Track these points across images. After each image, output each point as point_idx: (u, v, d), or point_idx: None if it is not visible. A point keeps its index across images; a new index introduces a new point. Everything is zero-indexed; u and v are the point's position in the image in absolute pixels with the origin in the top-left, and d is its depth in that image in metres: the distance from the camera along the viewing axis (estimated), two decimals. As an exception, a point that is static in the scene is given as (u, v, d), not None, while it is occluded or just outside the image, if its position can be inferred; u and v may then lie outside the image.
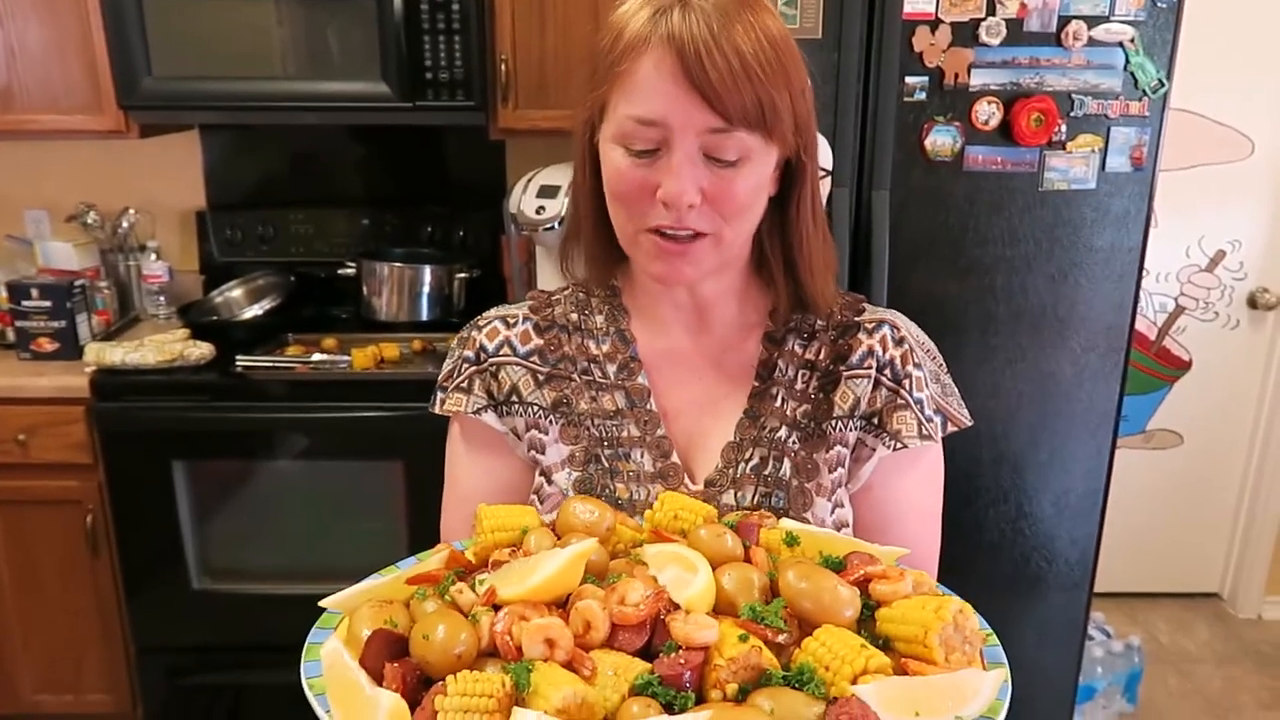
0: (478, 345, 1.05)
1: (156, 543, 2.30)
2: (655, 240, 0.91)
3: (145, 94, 2.28)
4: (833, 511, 1.00)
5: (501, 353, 1.04)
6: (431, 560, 0.86)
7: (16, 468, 2.26)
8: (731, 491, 0.99)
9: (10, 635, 2.39)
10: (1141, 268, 1.96)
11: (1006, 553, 2.12)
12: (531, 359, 1.04)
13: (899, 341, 1.01)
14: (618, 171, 0.90)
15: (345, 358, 2.29)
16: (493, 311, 1.09)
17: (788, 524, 0.88)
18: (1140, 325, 2.83)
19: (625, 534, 0.89)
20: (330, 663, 0.72)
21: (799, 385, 1.02)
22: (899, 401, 0.99)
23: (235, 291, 2.63)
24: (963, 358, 2.00)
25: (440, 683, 0.67)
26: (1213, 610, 3.24)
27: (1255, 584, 3.17)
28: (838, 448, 1.00)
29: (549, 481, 1.03)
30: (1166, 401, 3.10)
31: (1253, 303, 2.98)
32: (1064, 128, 1.88)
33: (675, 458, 1.01)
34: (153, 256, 2.69)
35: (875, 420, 0.99)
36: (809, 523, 0.97)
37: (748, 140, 0.88)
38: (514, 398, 1.04)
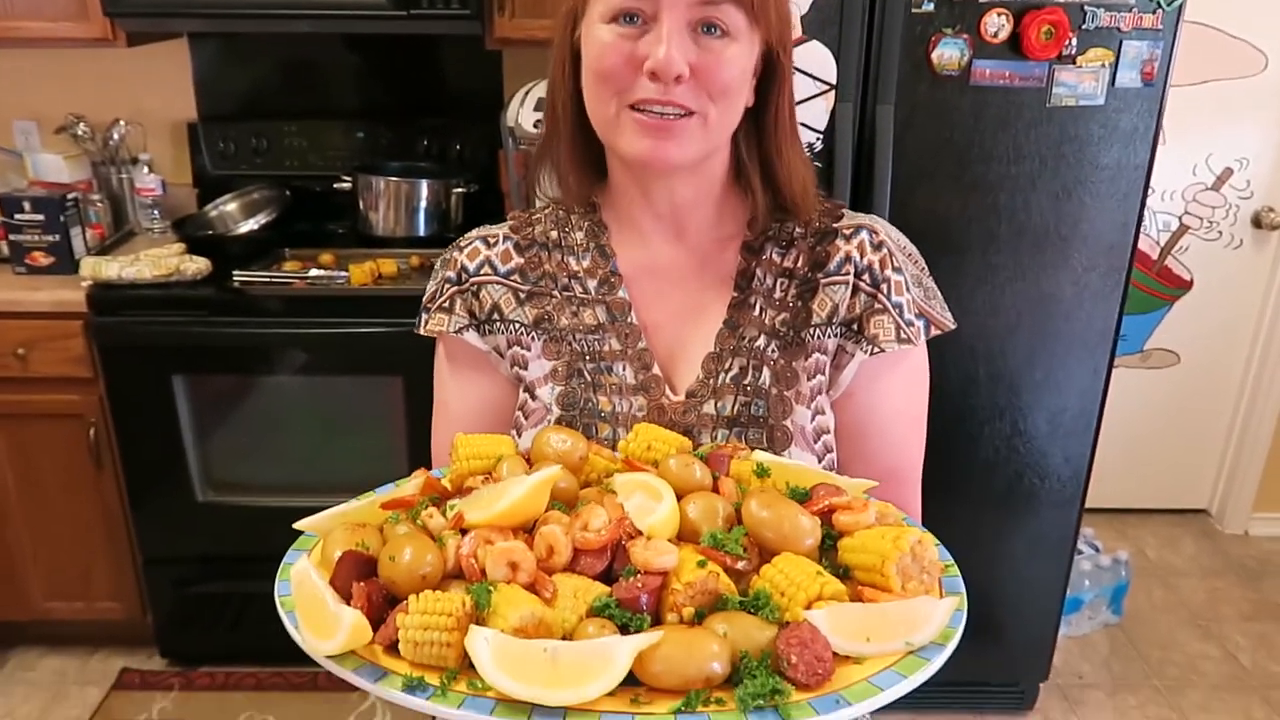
0: (459, 265, 1.06)
1: (159, 456, 2.33)
2: (639, 118, 0.90)
3: (131, 0, 2.22)
4: (813, 419, 1.01)
5: (482, 272, 1.05)
6: (408, 486, 0.89)
7: (16, 381, 2.27)
8: (712, 401, 1.01)
9: (19, 546, 2.44)
10: (1147, 186, 1.93)
11: (1000, 470, 2.15)
12: (512, 278, 1.05)
13: (877, 246, 1.01)
14: (602, 47, 0.90)
15: (343, 273, 2.28)
16: (474, 232, 1.09)
17: (760, 456, 0.89)
18: (1142, 244, 2.81)
19: (599, 464, 0.90)
20: (299, 581, 0.74)
21: (777, 294, 1.03)
22: (877, 306, 1.00)
23: (230, 205, 2.60)
24: (963, 276, 1.99)
25: (403, 602, 0.70)
26: (1200, 526, 3.30)
27: (1244, 501, 3.23)
28: (816, 355, 1.01)
29: (533, 397, 1.04)
30: (1165, 321, 3.10)
31: (1257, 222, 2.96)
32: (1074, 41, 1.83)
33: (656, 370, 1.02)
34: (145, 169, 2.66)
35: (854, 326, 1.00)
36: (789, 431, 0.99)
37: (735, 16, 0.89)
38: (495, 316, 1.05)
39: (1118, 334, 2.05)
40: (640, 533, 0.76)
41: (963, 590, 0.77)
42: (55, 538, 2.44)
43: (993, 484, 2.16)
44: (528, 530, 0.78)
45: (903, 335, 1.00)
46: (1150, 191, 1.95)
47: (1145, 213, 1.97)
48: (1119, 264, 1.99)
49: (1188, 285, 3.06)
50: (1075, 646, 2.69)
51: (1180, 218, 2.98)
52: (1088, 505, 2.22)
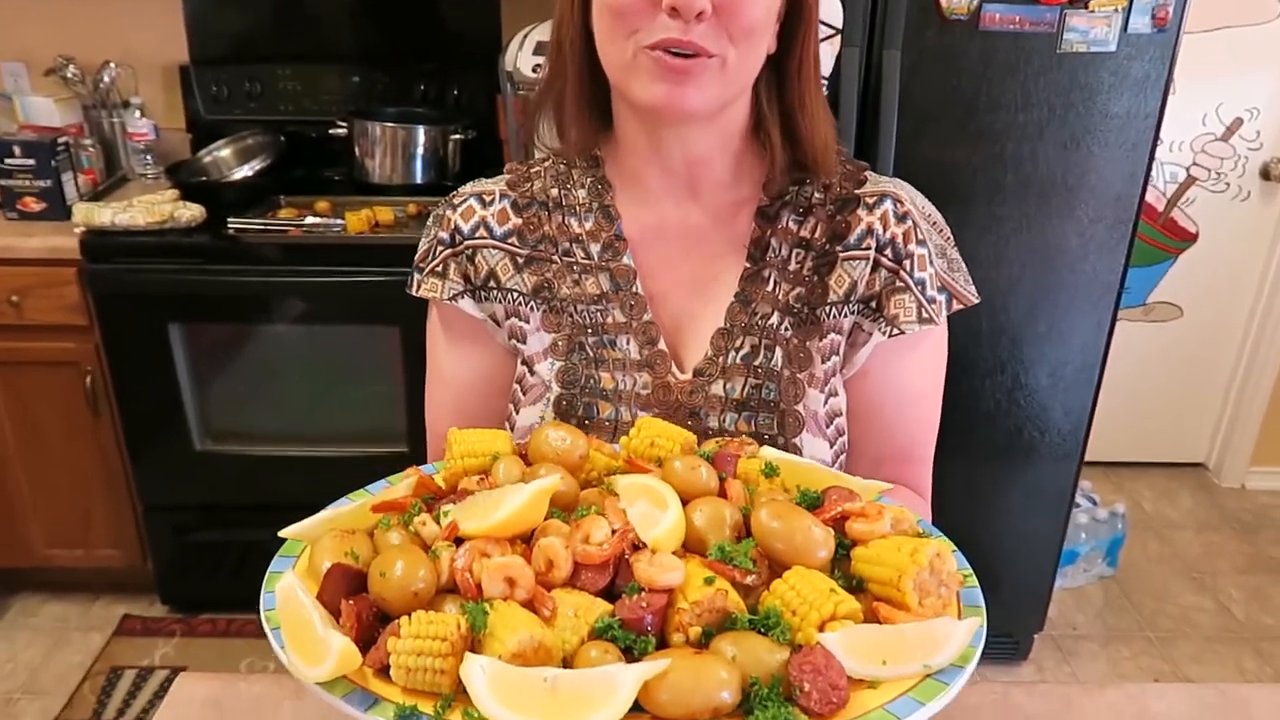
0: (452, 225, 1.00)
1: (157, 405, 2.32)
2: (657, 58, 0.84)
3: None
4: (826, 402, 0.97)
5: (478, 235, 0.99)
6: (399, 486, 0.85)
7: (11, 329, 2.25)
8: (721, 382, 0.96)
9: (18, 493, 2.44)
10: (1157, 136, 1.90)
11: (1000, 423, 2.14)
12: (509, 240, 0.99)
13: (901, 218, 0.95)
14: None
15: (339, 221, 2.25)
16: (468, 188, 1.03)
17: (768, 453, 0.85)
18: (1148, 196, 2.78)
19: (599, 461, 0.86)
20: (284, 598, 0.70)
21: (792, 266, 0.97)
22: (898, 284, 0.94)
23: (224, 151, 2.56)
24: (967, 228, 1.97)
25: (394, 623, 0.66)
26: (1197, 480, 3.31)
27: (1241, 455, 3.23)
28: (832, 335, 0.96)
29: (531, 371, 0.99)
30: (1169, 274, 3.08)
31: (1265, 174, 2.92)
32: (1087, -16, 1.79)
33: (663, 344, 0.97)
34: (137, 114, 2.61)
35: (873, 304, 0.95)
36: (801, 416, 0.95)
37: None
38: (492, 283, 0.99)
39: (1122, 287, 2.03)
40: (644, 545, 0.72)
41: (982, 604, 0.74)
42: (54, 485, 2.44)
43: (992, 437, 2.16)
44: (525, 540, 0.74)
45: (924, 314, 0.94)
46: (1158, 142, 1.92)
47: (1153, 164, 1.94)
48: (1126, 215, 1.96)
49: (1193, 238, 3.03)
50: (1070, 598, 2.71)
51: (1188, 169, 2.94)
52: (1086, 458, 2.22)
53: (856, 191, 0.97)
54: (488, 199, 1.01)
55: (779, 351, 0.96)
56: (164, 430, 2.34)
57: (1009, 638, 2.43)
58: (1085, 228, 1.97)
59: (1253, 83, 2.84)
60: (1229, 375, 3.20)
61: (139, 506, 2.44)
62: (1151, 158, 1.92)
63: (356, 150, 2.50)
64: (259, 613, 0.73)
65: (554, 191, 1.01)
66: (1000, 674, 2.44)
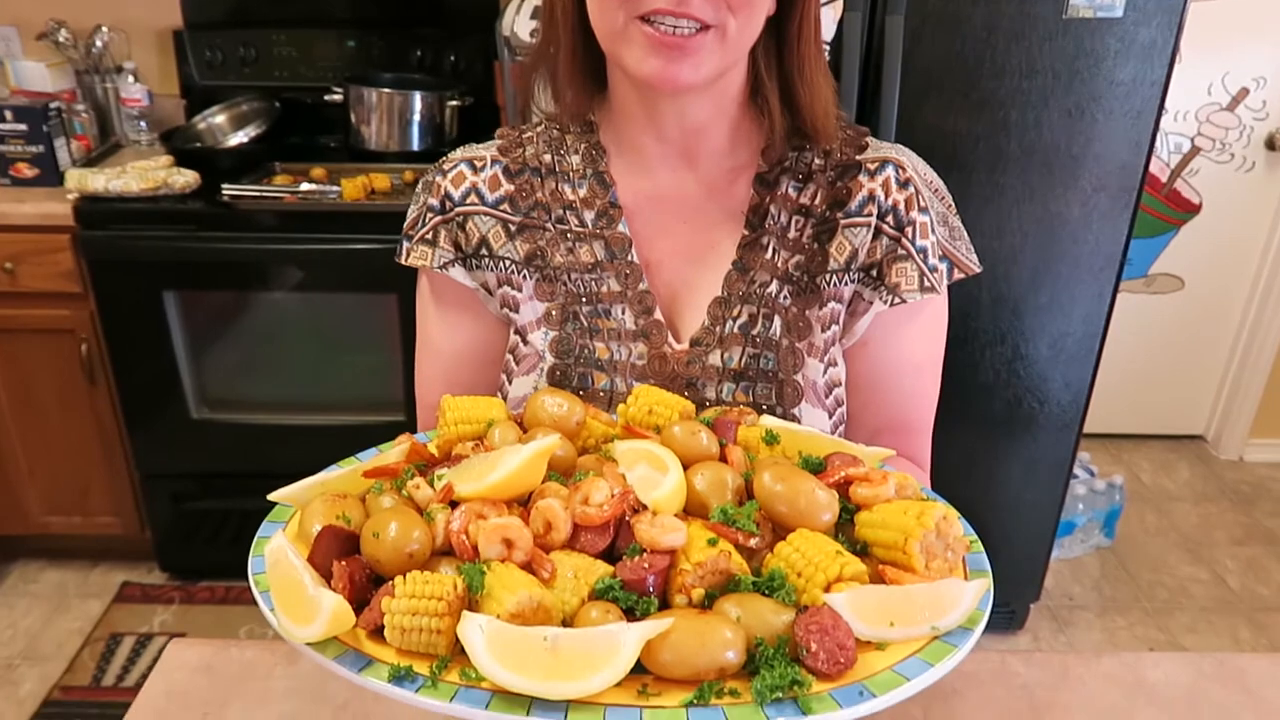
0: (442, 192, 0.98)
1: (153, 373, 2.31)
2: (650, 32, 0.81)
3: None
4: (825, 372, 0.95)
5: (468, 201, 0.97)
6: (391, 453, 0.83)
7: (5, 296, 2.24)
8: (718, 352, 0.94)
9: (14, 460, 2.43)
10: (1163, 104, 1.88)
11: (1000, 394, 2.14)
12: (501, 207, 0.97)
13: (903, 184, 0.93)
14: None
15: (335, 188, 2.23)
16: (458, 153, 1.00)
17: (768, 421, 0.84)
18: (1152, 167, 2.75)
19: (596, 429, 0.85)
20: (274, 560, 0.68)
21: (792, 233, 0.95)
22: (900, 252, 0.92)
23: (218, 117, 2.54)
24: (970, 197, 1.95)
25: (388, 583, 0.64)
26: (1196, 452, 3.31)
27: (1240, 427, 3.23)
28: (832, 304, 0.94)
29: (524, 341, 0.98)
30: (1171, 245, 3.06)
31: (1271, 144, 2.89)
32: (1094, -52, 1.76)
33: (659, 314, 0.95)
34: (130, 79, 2.58)
35: (874, 272, 0.93)
36: (799, 385, 0.94)
37: None
38: (483, 251, 0.97)
39: (1124, 258, 2.01)
40: (645, 507, 0.71)
41: (988, 568, 0.73)
42: (51, 453, 2.44)
43: (992, 407, 2.15)
44: (522, 504, 0.73)
45: (926, 283, 0.93)
46: (1164, 111, 1.90)
47: (1158, 133, 1.91)
48: (1130, 184, 1.94)
49: (1196, 209, 3.01)
50: (1066, 569, 2.72)
51: (1192, 139, 2.91)
52: (1085, 430, 2.22)
53: (858, 157, 0.95)
54: (479, 165, 0.99)
55: (777, 320, 0.94)
56: (161, 398, 2.34)
57: (1005, 607, 2.44)
58: (1088, 197, 1.95)
59: (1260, 52, 2.80)
60: (1229, 347, 3.19)
61: (136, 475, 2.44)
62: (1157, 126, 1.90)
63: (352, 117, 2.47)
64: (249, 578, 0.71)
65: (547, 157, 0.99)
66: (996, 643, 2.45)
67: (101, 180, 2.14)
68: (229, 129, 2.50)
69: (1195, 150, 2.93)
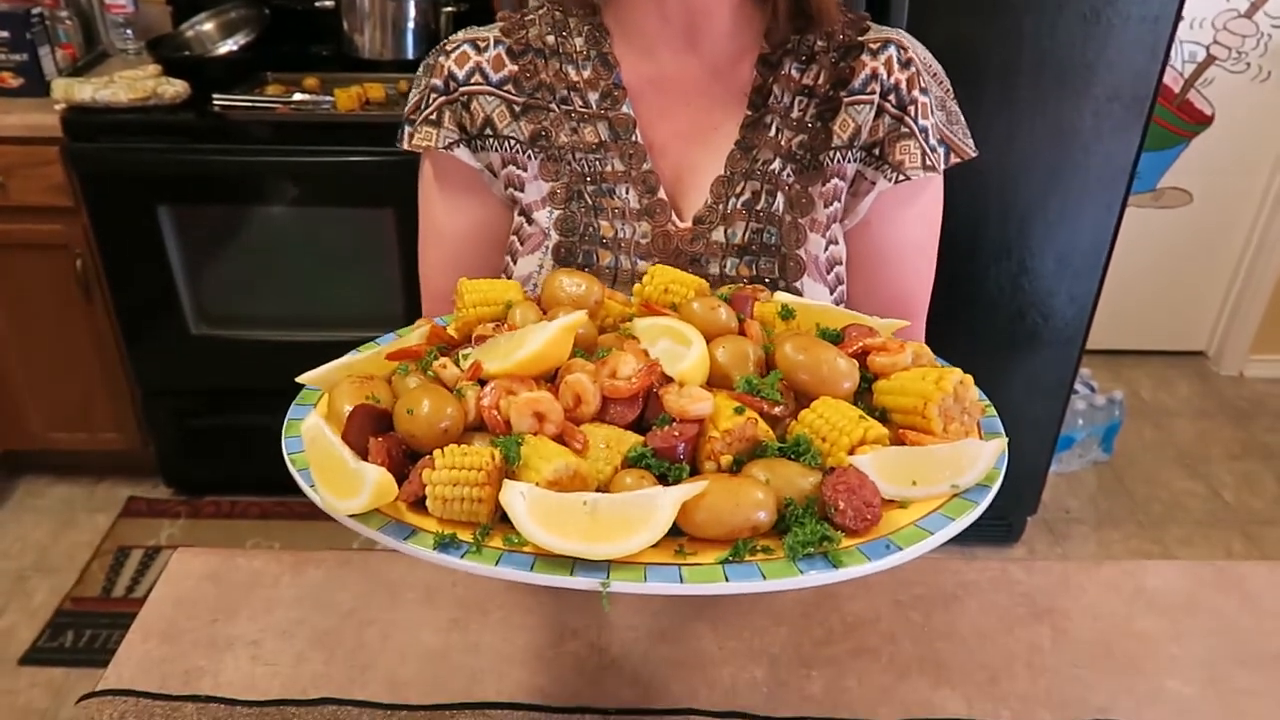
0: (446, 73, 0.97)
1: (149, 289, 2.29)
2: None
3: None
4: (826, 249, 0.97)
5: (473, 81, 0.96)
6: (412, 336, 0.83)
7: (-3, 210, 2.21)
8: (721, 228, 0.96)
9: (14, 376, 2.43)
10: (1181, 7, 1.82)
11: (1004, 308, 2.12)
12: (505, 87, 0.97)
13: (905, 64, 0.93)
14: None
15: (328, 98, 2.17)
16: (460, 35, 0.99)
17: (782, 297, 0.85)
18: (1165, 78, 2.69)
19: (614, 308, 0.85)
20: (311, 438, 0.69)
21: (795, 113, 0.96)
22: (903, 130, 0.93)
23: (207, 25, 2.46)
24: (980, 108, 1.90)
25: (427, 457, 0.66)
26: (1196, 368, 3.31)
27: (1242, 342, 3.22)
28: (835, 180, 0.95)
29: (529, 221, 0.98)
30: (1181, 158, 3.00)
31: (1288, 53, 2.82)
32: None
33: (662, 193, 0.96)
34: (114, -16, 2.49)
35: (876, 151, 0.94)
36: (801, 260, 0.95)
37: None
38: (488, 131, 0.97)
39: (1135, 169, 1.97)
40: (671, 379, 0.72)
41: (1002, 431, 0.75)
42: (50, 369, 2.43)
43: (995, 322, 2.14)
44: (549, 380, 0.74)
45: (928, 162, 0.94)
46: (1180, 18, 1.83)
47: (1174, 40, 1.86)
48: (1143, 93, 1.89)
49: (1208, 120, 2.94)
50: (1063, 483, 2.74)
51: (1207, 48, 2.83)
52: (1087, 346, 2.21)
53: (860, 39, 0.95)
54: (482, 45, 0.98)
55: (780, 196, 0.95)
56: (158, 315, 2.32)
57: (1001, 520, 2.47)
58: (1101, 106, 1.90)
59: (1282, -45, 2.71)
60: (1235, 262, 3.16)
61: (137, 391, 2.44)
62: (1174, 32, 1.84)
63: (345, 24, 2.40)
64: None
65: (550, 39, 0.98)
66: (992, 555, 2.49)
67: (89, 90, 2.08)
68: (217, 37, 2.43)
69: (1210, 59, 2.85)
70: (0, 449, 2.57)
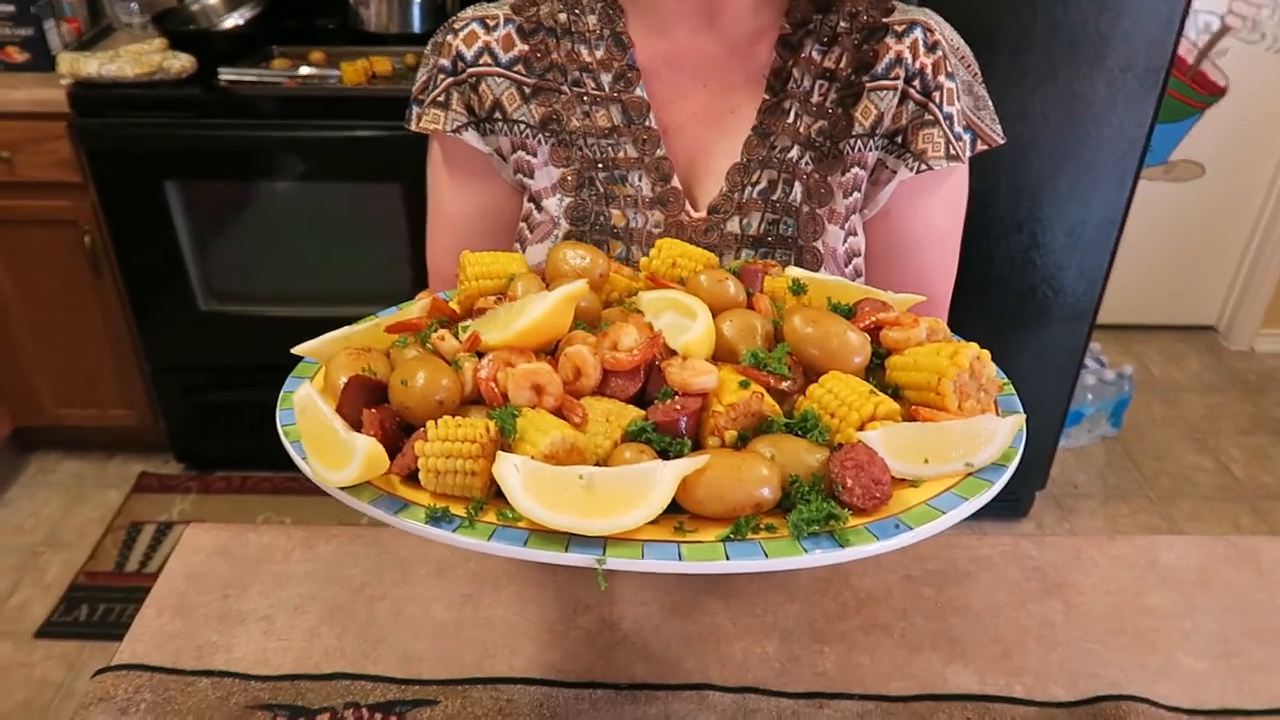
0: (454, 52, 0.94)
1: (158, 264, 2.28)
2: None
3: None
4: (845, 240, 0.94)
5: (481, 61, 0.93)
6: (413, 309, 0.82)
7: (5, 186, 2.20)
8: (736, 218, 0.93)
9: (24, 352, 2.44)
10: (1198, -24, 1.79)
11: (1014, 283, 2.11)
12: (515, 68, 0.94)
13: (931, 47, 0.90)
14: None
15: (335, 72, 2.16)
16: (469, 12, 0.96)
17: (794, 271, 0.83)
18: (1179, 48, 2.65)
19: (619, 282, 0.84)
20: (303, 408, 0.68)
21: (815, 98, 0.92)
22: (927, 117, 0.90)
23: (212, -2, 2.44)
24: (991, 79, 1.86)
25: (420, 429, 0.64)
26: (1206, 343, 3.29)
27: (1253, 317, 3.20)
28: (855, 170, 0.92)
29: (539, 208, 0.96)
30: (1193, 131, 2.97)
31: (1305, 23, 2.78)
32: None
33: (676, 181, 0.93)
34: (117, -44, 2.48)
35: (899, 139, 0.91)
36: (819, 252, 0.92)
37: None
38: (497, 114, 0.94)
39: (1148, 141, 1.95)
40: (674, 352, 0.70)
41: (1020, 409, 0.72)
42: (60, 346, 2.44)
43: (1006, 296, 2.12)
44: (550, 352, 0.72)
45: (952, 151, 0.90)
46: (1198, -15, 1.81)
47: (1189, 9, 1.83)
48: (1158, 63, 1.87)
49: (1222, 91, 2.91)
50: (1072, 458, 2.74)
51: (1223, 17, 2.80)
52: (1097, 321, 2.20)
53: (884, 20, 0.91)
54: (491, 23, 0.95)
55: (798, 186, 0.92)
56: (167, 290, 2.32)
57: (1010, 494, 2.45)
58: (1115, 77, 1.88)
59: (1300, -78, 2.66)
60: (1246, 236, 3.14)
61: (147, 367, 2.45)
62: (1189, 1, 1.81)
63: (350, -4, 2.38)
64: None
65: (562, 16, 0.94)
66: (1000, 530, 2.49)
67: (95, 64, 2.07)
68: (222, 10, 2.41)
69: (1225, 29, 2.81)
70: (12, 425, 2.58)
